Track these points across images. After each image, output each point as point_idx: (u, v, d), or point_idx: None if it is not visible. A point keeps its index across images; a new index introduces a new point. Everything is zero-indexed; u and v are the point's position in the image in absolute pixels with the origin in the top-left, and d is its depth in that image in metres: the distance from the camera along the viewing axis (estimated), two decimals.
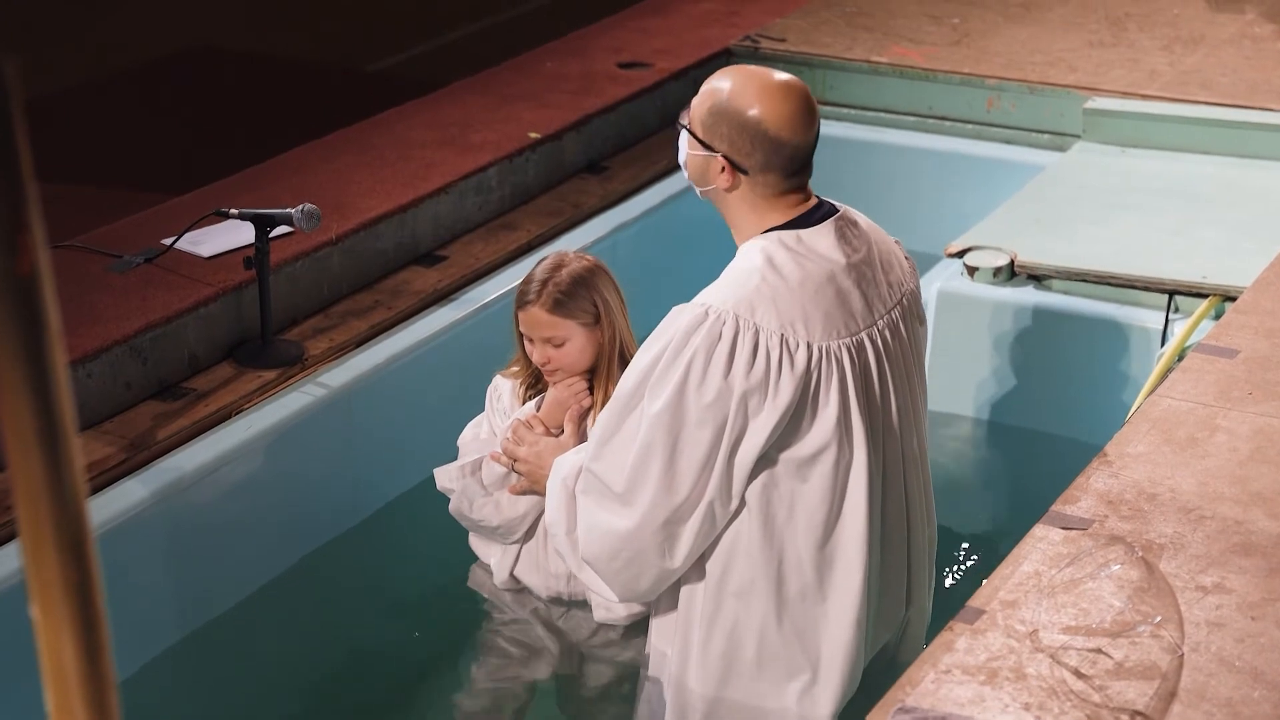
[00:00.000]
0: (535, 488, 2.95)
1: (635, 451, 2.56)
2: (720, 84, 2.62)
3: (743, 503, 2.59)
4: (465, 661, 3.34)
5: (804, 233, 2.61)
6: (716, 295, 2.56)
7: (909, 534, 2.78)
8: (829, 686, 2.67)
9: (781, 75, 2.63)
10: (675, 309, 2.58)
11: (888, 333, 2.66)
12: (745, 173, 2.60)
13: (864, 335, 2.61)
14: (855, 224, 2.70)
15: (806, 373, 2.53)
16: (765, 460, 2.56)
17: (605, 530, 2.62)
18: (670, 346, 2.53)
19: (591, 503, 2.64)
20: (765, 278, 2.56)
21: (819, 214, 2.65)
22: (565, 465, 2.75)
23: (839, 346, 2.57)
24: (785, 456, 2.56)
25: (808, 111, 2.61)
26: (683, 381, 2.51)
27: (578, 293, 2.95)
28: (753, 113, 2.57)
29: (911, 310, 2.76)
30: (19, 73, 0.98)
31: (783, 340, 2.52)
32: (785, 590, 2.63)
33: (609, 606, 2.97)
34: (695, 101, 2.66)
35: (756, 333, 2.51)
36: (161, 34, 8.07)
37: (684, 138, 2.68)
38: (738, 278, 2.58)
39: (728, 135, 2.59)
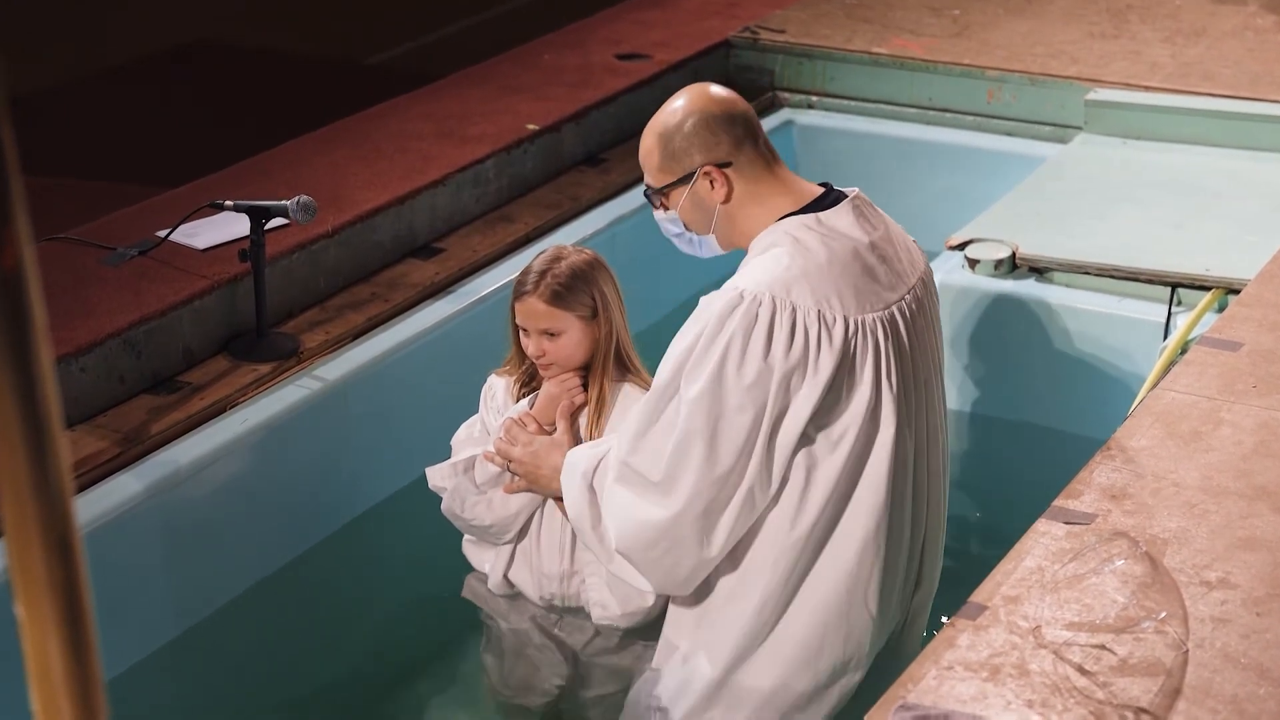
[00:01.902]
0: (534, 487, 2.93)
1: (675, 439, 2.55)
2: (651, 132, 2.73)
3: (780, 486, 2.57)
4: (461, 665, 3.32)
5: (822, 215, 2.66)
6: (749, 279, 2.57)
7: (926, 512, 2.78)
8: (845, 666, 2.66)
9: (682, 89, 2.77)
10: (705, 298, 2.59)
11: (915, 306, 2.71)
12: (729, 164, 2.65)
13: (894, 309, 2.64)
14: (870, 204, 2.76)
15: (845, 345, 2.55)
16: (802, 439, 2.55)
17: (644, 521, 2.59)
18: (706, 331, 2.54)
19: (629, 493, 2.61)
20: (794, 258, 2.58)
21: (830, 199, 2.69)
22: (582, 461, 2.73)
23: (873, 319, 2.60)
24: (821, 434, 2.57)
25: (721, 89, 2.75)
26: (720, 364, 2.51)
27: (576, 285, 2.92)
28: (691, 118, 2.68)
29: (930, 287, 2.79)
30: (4, 69, 0.96)
31: (820, 316, 2.54)
32: (808, 568, 2.62)
33: (604, 605, 2.94)
34: (647, 170, 2.75)
35: (794, 311, 2.52)
36: (159, 29, 8.05)
37: (664, 212, 2.75)
38: (766, 261, 2.60)
39: (692, 146, 2.67)
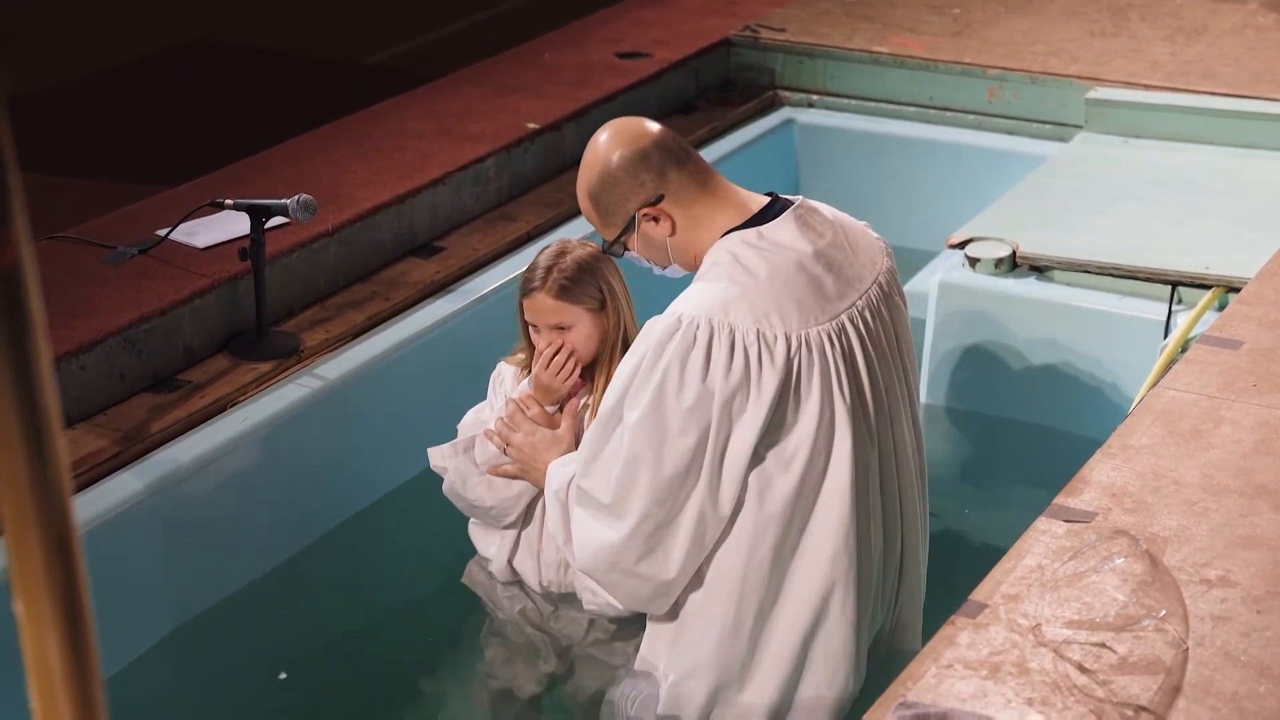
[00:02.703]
0: (525, 477, 2.94)
1: (620, 464, 2.56)
2: (581, 191, 2.71)
3: (735, 505, 2.57)
4: (459, 659, 3.32)
5: (764, 228, 2.63)
6: (688, 302, 2.57)
7: (901, 515, 2.77)
8: (835, 675, 2.66)
9: (598, 132, 2.74)
10: (649, 322, 2.59)
11: (868, 313, 2.66)
12: (661, 198, 2.64)
13: (844, 318, 2.61)
14: (816, 211, 2.71)
15: (787, 363, 2.53)
16: (754, 457, 2.54)
17: (600, 543, 2.61)
18: (646, 358, 2.54)
19: (585, 514, 2.64)
20: (733, 277, 2.56)
21: (775, 209, 2.66)
22: (556, 478, 2.76)
23: (819, 333, 2.56)
24: (773, 451, 2.55)
25: (632, 122, 2.72)
26: (659, 391, 2.51)
27: (583, 278, 2.93)
28: (611, 160, 2.66)
29: (890, 289, 2.75)
30: (2, 68, 0.96)
31: (759, 335, 2.52)
32: (779, 585, 2.61)
33: (594, 590, 2.94)
34: (594, 226, 2.75)
35: (732, 333, 2.51)
36: (160, 28, 8.05)
37: (628, 254, 2.75)
38: (707, 283, 2.60)
39: (621, 195, 2.66)
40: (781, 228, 2.63)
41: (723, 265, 2.58)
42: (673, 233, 2.66)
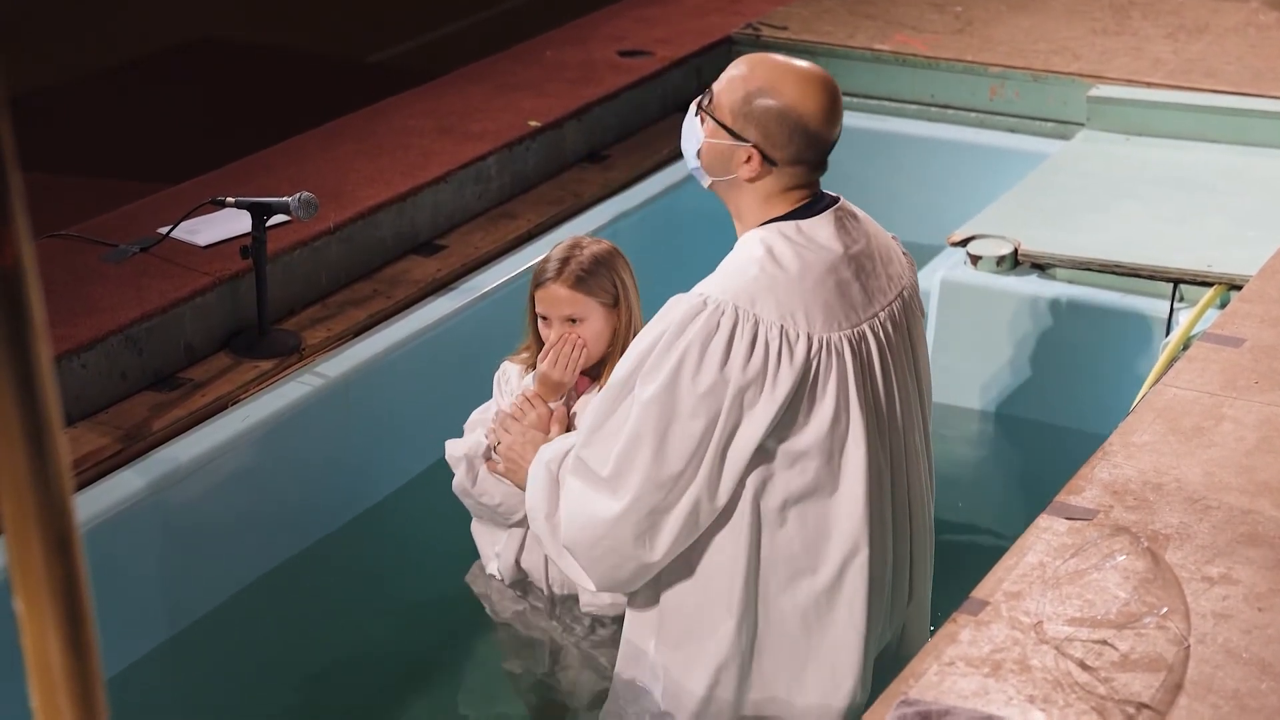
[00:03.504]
0: (510, 477, 2.92)
1: (624, 438, 2.53)
2: (753, 73, 2.57)
3: (733, 499, 2.55)
4: (461, 659, 3.32)
5: (804, 223, 2.59)
6: (715, 285, 2.53)
7: (910, 527, 2.76)
8: (838, 683, 2.65)
9: (813, 67, 2.59)
10: (673, 299, 2.56)
11: (889, 324, 2.64)
12: (774, 164, 2.57)
13: (865, 326, 2.59)
14: (854, 215, 2.68)
15: (806, 363, 2.51)
16: (760, 453, 2.53)
17: (590, 517, 2.58)
18: (666, 335, 2.51)
19: (580, 485, 2.61)
20: (765, 268, 2.53)
21: (819, 205, 2.63)
22: (549, 449, 2.73)
23: (840, 338, 2.54)
24: (781, 449, 2.54)
25: (838, 105, 2.59)
26: (676, 370, 2.48)
27: (599, 271, 2.93)
28: (791, 104, 2.53)
29: (912, 303, 2.74)
30: (2, 67, 0.96)
31: (783, 331, 2.49)
32: (777, 584, 2.60)
33: (594, 593, 2.94)
34: (722, 89, 2.60)
35: (756, 324, 2.49)
36: (162, 27, 8.05)
37: (698, 125, 2.61)
38: (737, 268, 2.55)
39: (763, 125, 2.55)
40: (820, 226, 2.60)
41: (756, 255, 2.55)
42: (750, 181, 2.58)
